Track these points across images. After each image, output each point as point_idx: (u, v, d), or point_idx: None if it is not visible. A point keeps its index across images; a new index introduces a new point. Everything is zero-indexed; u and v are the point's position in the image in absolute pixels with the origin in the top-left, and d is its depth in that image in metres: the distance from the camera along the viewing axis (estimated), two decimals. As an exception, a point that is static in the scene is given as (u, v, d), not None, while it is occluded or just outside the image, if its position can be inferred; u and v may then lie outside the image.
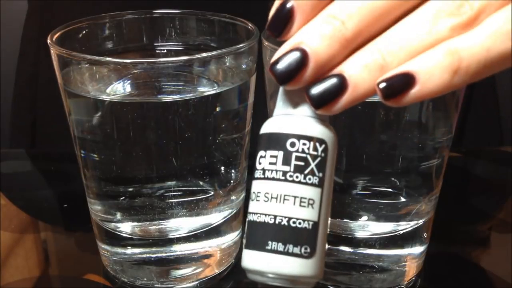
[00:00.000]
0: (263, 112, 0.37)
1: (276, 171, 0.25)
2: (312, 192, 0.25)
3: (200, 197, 0.36)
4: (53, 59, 0.35)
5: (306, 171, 0.25)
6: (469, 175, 0.55)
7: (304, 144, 0.25)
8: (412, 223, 0.36)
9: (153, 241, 0.37)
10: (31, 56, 0.65)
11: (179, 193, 0.36)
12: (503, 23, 0.22)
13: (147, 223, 0.36)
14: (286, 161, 0.25)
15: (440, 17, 0.23)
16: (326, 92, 0.24)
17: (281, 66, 0.24)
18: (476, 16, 0.23)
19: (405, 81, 0.23)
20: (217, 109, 0.34)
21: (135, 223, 0.37)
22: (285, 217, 0.24)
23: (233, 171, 0.37)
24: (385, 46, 0.24)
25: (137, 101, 0.35)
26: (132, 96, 0.36)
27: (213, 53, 0.33)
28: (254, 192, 0.25)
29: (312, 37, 0.24)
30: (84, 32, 0.38)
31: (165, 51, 0.40)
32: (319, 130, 0.25)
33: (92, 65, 0.34)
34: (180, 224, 0.37)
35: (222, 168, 0.37)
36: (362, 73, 0.24)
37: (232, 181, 0.37)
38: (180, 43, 0.40)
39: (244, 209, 0.40)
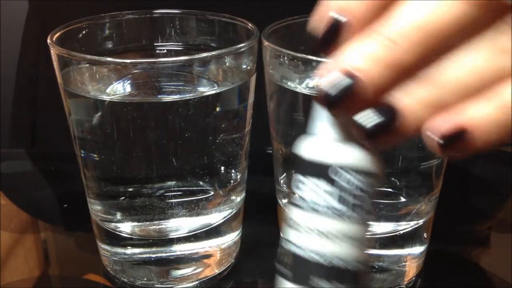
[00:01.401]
0: (263, 112, 0.37)
1: (331, 207, 0.23)
2: (363, 231, 0.23)
3: (200, 197, 0.36)
4: (53, 59, 0.35)
5: (361, 210, 0.23)
6: (469, 175, 0.55)
7: (360, 180, 0.23)
8: (412, 223, 0.36)
9: (153, 241, 0.37)
10: (31, 56, 0.65)
11: (179, 193, 0.36)
12: None
13: (147, 223, 0.36)
14: (342, 199, 0.23)
15: (503, 54, 0.21)
16: (375, 124, 0.22)
17: (329, 90, 0.22)
18: None
19: (459, 136, 0.21)
20: (217, 109, 0.34)
21: (135, 223, 0.37)
22: (335, 256, 0.23)
23: (233, 171, 0.37)
24: (443, 79, 0.21)
25: (137, 101, 0.35)
26: (132, 96, 0.36)
27: (213, 53, 0.33)
28: (300, 224, 0.24)
29: (366, 61, 0.21)
30: (84, 32, 0.38)
31: (165, 51, 0.40)
32: (374, 164, 0.23)
33: (92, 65, 0.34)
34: (180, 224, 0.37)
35: (222, 168, 0.37)
36: (417, 107, 0.22)
37: (232, 181, 0.37)
38: (180, 43, 0.40)
39: (244, 209, 0.40)
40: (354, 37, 0.22)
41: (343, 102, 0.22)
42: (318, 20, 0.22)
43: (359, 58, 0.22)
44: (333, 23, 0.22)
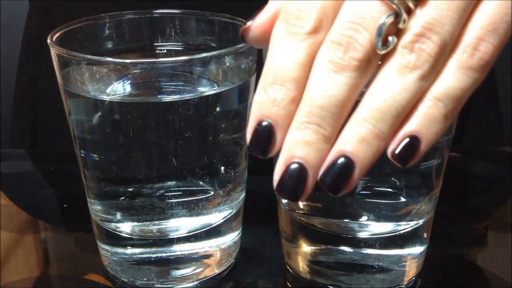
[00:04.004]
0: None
1: None
2: None
3: (200, 197, 0.36)
4: (53, 59, 0.35)
5: None
6: (469, 175, 0.55)
7: None
8: (412, 223, 0.36)
9: (153, 241, 0.37)
10: (32, 56, 0.65)
11: (179, 193, 0.36)
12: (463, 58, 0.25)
13: (147, 223, 0.36)
14: None
15: (405, 73, 0.24)
16: (338, 177, 0.25)
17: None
18: (436, 61, 0.24)
19: (413, 143, 0.25)
20: (217, 109, 0.34)
21: (135, 223, 0.37)
22: None
23: (233, 171, 0.37)
24: (371, 115, 0.24)
25: (137, 101, 0.35)
26: (132, 96, 0.36)
27: (213, 53, 0.33)
28: None
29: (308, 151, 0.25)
30: (84, 32, 0.38)
31: (165, 51, 0.40)
32: None
33: (92, 65, 0.34)
34: (180, 224, 0.37)
35: (222, 168, 0.37)
36: (362, 147, 0.25)
37: (232, 181, 0.37)
38: (180, 43, 0.40)
39: (244, 209, 0.40)
40: None
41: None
42: None
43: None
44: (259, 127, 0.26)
